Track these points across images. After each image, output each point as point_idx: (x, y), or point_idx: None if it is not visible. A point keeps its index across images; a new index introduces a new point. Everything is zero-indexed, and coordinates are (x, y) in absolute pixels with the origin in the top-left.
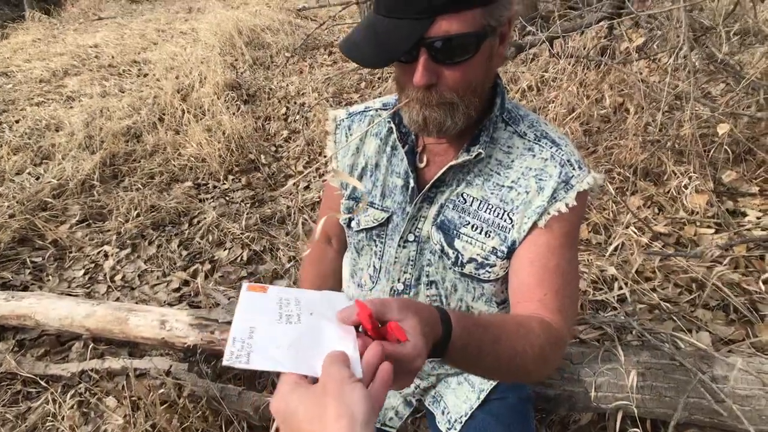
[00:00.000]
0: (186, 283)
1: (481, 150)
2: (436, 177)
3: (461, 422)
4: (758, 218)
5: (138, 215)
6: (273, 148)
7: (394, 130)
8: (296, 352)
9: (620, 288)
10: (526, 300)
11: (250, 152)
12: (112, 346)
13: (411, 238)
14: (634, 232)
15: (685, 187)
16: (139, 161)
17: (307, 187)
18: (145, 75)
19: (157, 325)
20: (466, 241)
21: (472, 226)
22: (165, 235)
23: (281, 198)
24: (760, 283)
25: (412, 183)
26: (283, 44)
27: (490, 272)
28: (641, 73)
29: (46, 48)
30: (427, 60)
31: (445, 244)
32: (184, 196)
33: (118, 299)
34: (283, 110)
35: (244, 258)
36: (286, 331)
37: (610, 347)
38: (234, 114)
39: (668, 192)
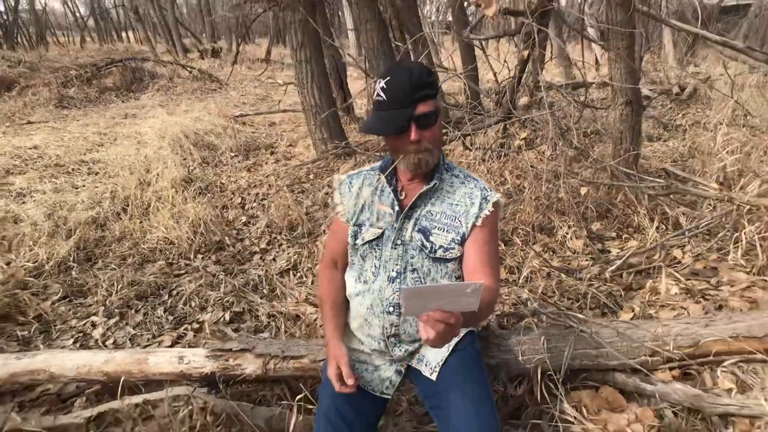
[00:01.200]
0: (180, 338)
1: (436, 181)
2: (411, 202)
3: (439, 365)
4: (618, 253)
5: (122, 288)
6: (234, 232)
7: (384, 180)
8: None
9: (532, 304)
10: (476, 273)
11: (215, 234)
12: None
13: (399, 242)
14: (537, 265)
15: (566, 234)
16: (110, 245)
17: (274, 259)
18: (96, 173)
19: (176, 360)
20: (437, 236)
21: (438, 228)
22: (149, 304)
23: (251, 269)
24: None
25: (397, 208)
26: (228, 145)
27: (452, 252)
28: (531, 161)
29: None
30: (415, 127)
31: (424, 240)
32: (161, 272)
33: None
34: (239, 200)
35: (227, 318)
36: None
37: (529, 324)
38: (197, 204)
39: (558, 240)
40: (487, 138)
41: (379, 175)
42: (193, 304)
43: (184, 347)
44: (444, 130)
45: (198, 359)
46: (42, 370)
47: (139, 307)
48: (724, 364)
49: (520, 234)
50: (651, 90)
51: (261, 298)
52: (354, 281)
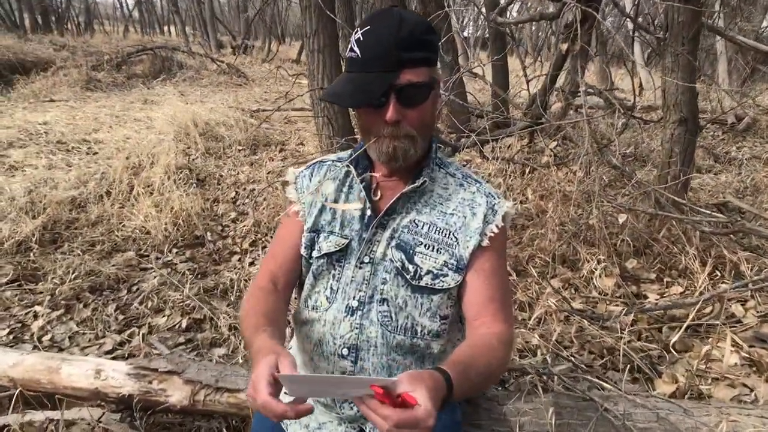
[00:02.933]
0: (121, 344)
1: (426, 179)
2: (388, 205)
3: None
4: (656, 300)
5: (76, 278)
6: (219, 228)
7: (353, 171)
8: None
9: (543, 354)
10: (482, 315)
11: (197, 228)
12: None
13: (366, 260)
14: (553, 304)
15: (595, 269)
16: (81, 229)
17: (252, 263)
18: (95, 153)
19: (92, 374)
20: (423, 257)
21: (425, 245)
22: (102, 299)
23: (225, 272)
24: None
25: (369, 212)
26: (236, 138)
27: (443, 282)
28: (559, 180)
29: None
30: (395, 102)
31: (405, 261)
32: (126, 264)
33: None
34: (233, 194)
35: (183, 325)
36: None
37: (532, 388)
38: (183, 194)
39: (582, 276)
40: (511, 149)
41: (347, 165)
42: (150, 304)
43: (115, 359)
44: (459, 139)
45: (117, 376)
46: None
47: (90, 300)
48: None
49: (537, 264)
50: (701, 118)
51: (228, 305)
52: (303, 302)
